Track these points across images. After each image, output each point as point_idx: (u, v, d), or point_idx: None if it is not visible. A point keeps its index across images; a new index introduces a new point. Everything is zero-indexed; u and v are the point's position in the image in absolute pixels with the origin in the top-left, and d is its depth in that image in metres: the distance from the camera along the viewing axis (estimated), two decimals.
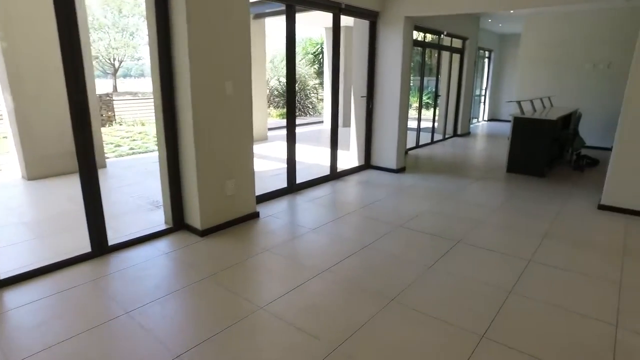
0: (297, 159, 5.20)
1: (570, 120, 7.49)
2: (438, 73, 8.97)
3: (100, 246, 3.28)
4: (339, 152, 5.96)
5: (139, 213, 4.39)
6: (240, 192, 4.04)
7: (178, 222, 3.87)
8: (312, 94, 17.12)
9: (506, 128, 12.32)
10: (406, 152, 7.66)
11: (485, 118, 13.64)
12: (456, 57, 9.48)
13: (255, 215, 4.24)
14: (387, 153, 6.23)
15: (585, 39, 8.57)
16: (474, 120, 12.67)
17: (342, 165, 6.24)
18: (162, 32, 3.39)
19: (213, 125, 3.64)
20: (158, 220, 4.05)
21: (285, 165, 5.09)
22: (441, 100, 9.45)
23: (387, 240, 3.72)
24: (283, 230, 3.97)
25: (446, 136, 9.68)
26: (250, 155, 4.08)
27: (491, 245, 3.65)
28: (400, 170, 6.30)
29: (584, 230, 4.09)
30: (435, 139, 9.10)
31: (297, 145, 5.16)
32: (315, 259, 3.35)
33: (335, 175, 5.82)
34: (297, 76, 16.86)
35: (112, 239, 3.47)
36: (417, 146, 8.41)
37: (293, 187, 5.14)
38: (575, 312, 2.64)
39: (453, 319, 2.53)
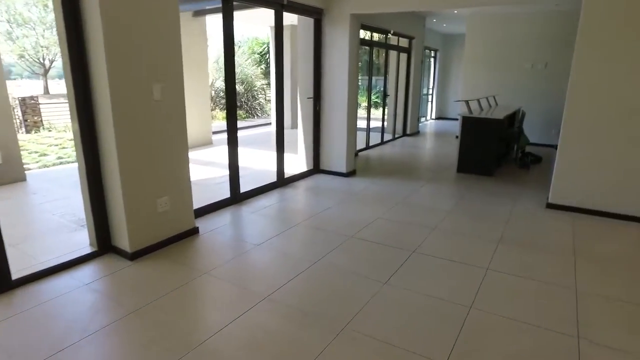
0: (243, 164, 4.84)
1: (514, 119, 7.61)
2: (386, 72, 8.87)
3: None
4: (288, 156, 5.64)
5: (61, 234, 3.86)
6: (176, 207, 3.62)
7: (104, 244, 3.40)
8: (260, 95, 16.66)
9: (453, 126, 12.58)
10: (356, 154, 7.47)
11: (433, 117, 13.83)
12: (403, 56, 9.44)
13: (194, 231, 3.83)
14: (336, 157, 5.99)
15: (523, 40, 8.78)
16: (422, 119, 12.78)
17: (290, 170, 5.93)
18: (71, 27, 2.92)
19: (139, 133, 3.20)
20: (82, 241, 3.55)
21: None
22: (390, 100, 9.37)
23: (338, 255, 3.45)
24: (225, 247, 3.60)
25: (396, 136, 9.63)
26: (185, 165, 3.67)
27: (447, 254, 3.47)
28: (351, 173, 6.09)
29: (536, 232, 4.04)
30: (385, 139, 9.00)
31: (243, 150, 4.80)
32: (259, 281, 3.02)
33: (282, 181, 5.50)
34: (243, 77, 16.39)
35: (21, 269, 2.96)
36: (367, 147, 8.26)
37: (237, 197, 4.77)
38: (538, 326, 2.49)
39: (414, 346, 2.29)
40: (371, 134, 8.42)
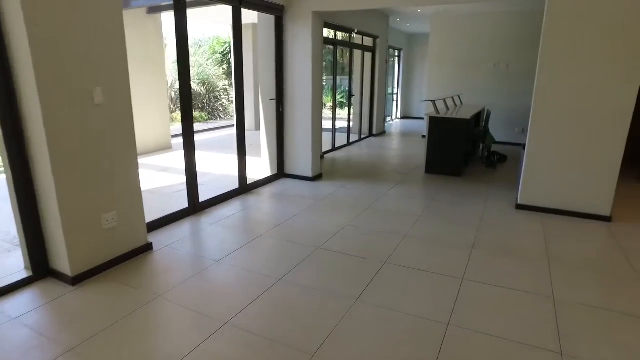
0: (204, 170, 4.51)
1: (480, 118, 7.60)
2: (351, 72, 8.70)
3: None
4: (251, 160, 5.36)
5: None
6: (125, 222, 3.27)
7: (41, 268, 3.01)
8: (223, 96, 16.17)
9: (419, 125, 12.63)
10: (322, 157, 7.25)
11: (398, 116, 13.82)
12: (368, 55, 9.30)
13: (147, 247, 3.49)
14: (301, 160, 5.74)
15: (487, 40, 8.83)
16: (388, 119, 12.73)
17: (254, 175, 5.64)
18: None
19: (77, 140, 2.84)
20: (16, 265, 3.13)
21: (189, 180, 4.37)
22: (355, 100, 9.21)
23: (305, 269, 3.20)
24: (181, 265, 3.28)
25: (362, 136, 9.48)
26: (134, 175, 3.32)
27: (420, 265, 3.29)
28: (317, 177, 5.85)
29: (508, 236, 3.93)
30: (351, 140, 8.83)
31: (205, 154, 4.50)
32: (219, 304, 2.73)
33: (245, 188, 5.19)
34: (205, 77, 15.84)
35: None
36: (334, 149, 8.05)
37: (196, 207, 4.43)
38: (519, 342, 2.33)
39: None
40: (337, 134, 8.23)
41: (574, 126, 4.27)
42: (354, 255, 3.43)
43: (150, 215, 3.82)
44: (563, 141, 4.35)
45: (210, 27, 16.95)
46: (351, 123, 9.00)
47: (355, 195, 5.13)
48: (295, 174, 5.83)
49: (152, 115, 7.76)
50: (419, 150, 8.14)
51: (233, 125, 11.81)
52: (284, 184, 5.63)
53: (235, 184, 5.14)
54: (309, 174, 5.73)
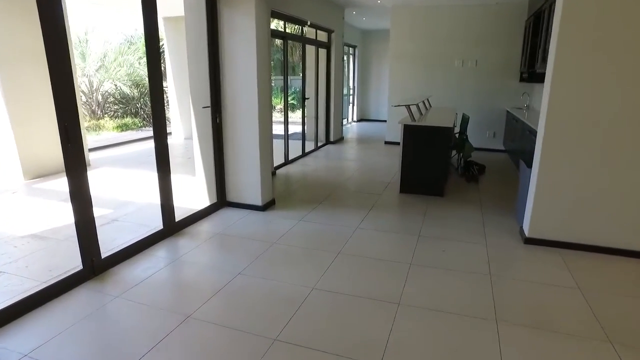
0: (124, 197, 3.17)
1: (453, 124, 6.65)
2: (304, 71, 7.49)
3: None
4: (187, 181, 4.01)
5: None
6: None
7: None
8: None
9: (378, 129, 11.66)
10: (274, 173, 6.00)
11: (355, 119, 12.80)
12: (322, 52, 8.14)
13: None
14: (248, 184, 4.47)
15: (452, 35, 7.96)
16: (344, 122, 11.65)
17: (187, 204, 4.32)
18: None
19: None
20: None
21: (111, 212, 3.02)
22: (310, 103, 8.02)
23: None
24: None
25: (319, 144, 8.31)
26: None
27: (431, 356, 2.15)
28: (269, 205, 4.60)
29: (534, 293, 2.89)
30: (306, 150, 7.63)
31: (132, 173, 3.24)
32: None
33: (172, 227, 3.85)
34: (137, 79, 14.03)
35: None
36: (287, 162, 6.82)
37: (95, 267, 3.05)
38: None
39: None
40: (290, 142, 6.99)
41: (597, 145, 3.33)
42: (329, 352, 2.23)
43: (11, 293, 2.42)
44: (585, 162, 3.40)
45: (138, 20, 15.11)
46: (305, 129, 7.80)
47: (319, 233, 3.93)
48: (241, 202, 4.55)
49: (47, 125, 5.99)
50: (385, 161, 7.09)
51: (169, 134, 10.29)
52: (226, 217, 4.33)
53: (160, 221, 3.79)
54: (258, 201, 4.47)
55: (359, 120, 12.91)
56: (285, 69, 6.43)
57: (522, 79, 7.69)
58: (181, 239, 3.75)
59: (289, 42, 6.58)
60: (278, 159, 6.60)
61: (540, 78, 6.77)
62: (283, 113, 6.64)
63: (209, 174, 4.49)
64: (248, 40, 4.03)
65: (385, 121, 12.72)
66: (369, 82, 12.83)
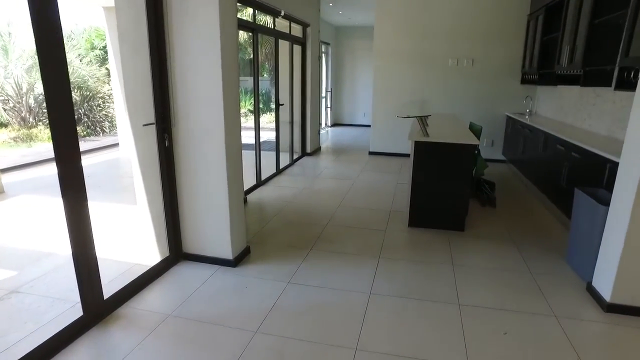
0: (42, 247, 1.85)
1: None
2: (277, 71, 6.25)
3: None
4: (127, 214, 2.71)
5: None
6: None
7: None
8: (108, 104, 12.72)
9: (355, 135, 10.55)
10: (245, 200, 4.75)
11: (329, 123, 11.66)
12: (297, 49, 6.94)
13: None
14: (212, 229, 3.20)
15: (446, 30, 6.96)
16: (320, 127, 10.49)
17: (126, 257, 3.02)
18: None
19: None
20: None
21: (13, 274, 1.68)
22: (284, 109, 6.78)
23: None
24: None
25: (295, 157, 7.10)
26: None
27: None
28: (242, 257, 3.36)
29: None
30: (281, 166, 6.40)
31: (58, 202, 2.02)
32: None
33: (97, 310, 2.53)
34: (79, 81, 12.27)
35: None
36: (259, 183, 5.56)
37: None
38: None
39: None
40: (263, 155, 5.71)
41: None
42: None
43: None
44: None
45: (85, 15, 13.34)
46: (279, 137, 6.54)
47: (319, 308, 2.72)
48: (204, 254, 3.28)
49: None
50: (377, 179, 5.97)
51: (116, 145, 8.78)
52: (183, 280, 3.05)
53: (104, 269, 2.47)
54: (228, 254, 3.21)
55: (333, 125, 11.78)
56: (255, 68, 5.17)
57: (524, 81, 6.80)
58: (113, 331, 2.45)
59: (260, 35, 5.32)
60: (248, 179, 5.34)
61: (552, 80, 5.90)
62: (254, 119, 5.36)
63: (157, 217, 3.19)
64: (209, 30, 2.77)
65: (364, 126, 11.71)
66: (342, 84, 11.72)
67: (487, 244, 3.72)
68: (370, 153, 7.74)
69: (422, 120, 3.87)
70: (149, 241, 3.25)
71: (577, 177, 3.82)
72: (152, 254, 3.23)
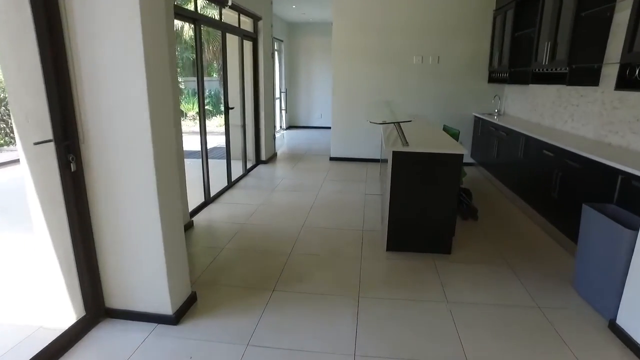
0: None
1: None
2: (225, 70, 5.44)
3: None
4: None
5: None
6: None
7: None
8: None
9: (313, 138, 9.84)
10: (190, 225, 3.97)
11: (284, 126, 10.94)
12: (248, 45, 6.18)
13: None
14: (143, 275, 2.42)
15: (410, 25, 6.48)
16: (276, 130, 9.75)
17: (27, 320, 2.19)
18: None
19: None
20: None
21: None
22: (235, 113, 6.00)
23: None
24: None
25: (248, 166, 6.33)
26: None
27: None
28: (185, 309, 2.60)
29: None
30: (233, 178, 5.63)
31: None
32: None
33: None
34: None
35: None
36: (209, 200, 4.77)
37: None
38: None
39: None
40: (212, 163, 4.91)
41: None
42: None
43: None
44: None
45: None
46: (229, 142, 5.76)
47: None
48: (134, 309, 2.49)
49: None
50: (343, 189, 5.35)
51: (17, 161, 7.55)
52: (104, 351, 2.26)
53: None
54: (167, 307, 2.44)
55: (288, 128, 11.07)
56: (199, 65, 4.38)
57: (492, 79, 6.44)
58: None
59: (203, 27, 4.53)
60: (195, 197, 4.55)
61: (525, 78, 5.54)
62: (199, 125, 4.56)
63: (67, 262, 2.37)
64: (125, 10, 2.00)
65: (321, 128, 11.03)
66: (298, 83, 11.04)
67: (480, 271, 3.19)
68: (332, 159, 7.13)
69: (399, 126, 3.26)
70: (59, 295, 2.42)
71: (575, 188, 3.38)
72: (63, 313, 2.41)
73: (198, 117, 4.54)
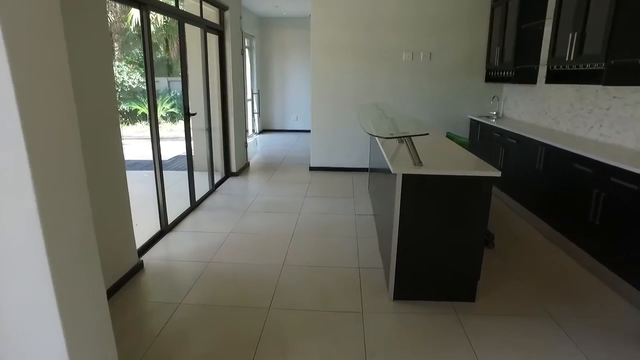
0: None
1: None
2: (184, 66, 4.52)
3: None
4: None
5: None
6: None
7: None
8: None
9: (289, 143, 8.89)
10: (140, 266, 3.08)
11: (257, 130, 10.04)
12: (213, 39, 5.29)
13: None
14: None
15: (399, 18, 5.73)
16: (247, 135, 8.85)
17: None
18: None
19: None
20: None
21: None
22: (198, 119, 5.09)
23: None
24: None
25: (216, 180, 5.43)
26: None
27: None
28: None
29: None
30: (198, 195, 4.73)
31: None
32: None
33: None
34: None
35: None
36: (165, 229, 3.85)
37: None
38: None
39: None
40: (172, 178, 4.02)
41: None
42: None
43: None
44: None
45: None
46: (192, 159, 4.85)
47: None
48: None
49: None
50: (330, 209, 4.54)
51: None
52: None
53: None
54: None
55: (261, 132, 10.18)
56: (147, 60, 3.46)
57: (489, 78, 5.77)
58: None
59: (152, 12, 3.62)
60: (147, 225, 3.66)
61: (532, 77, 4.88)
62: (150, 133, 3.64)
63: None
64: None
65: (297, 132, 10.13)
66: (271, 84, 10.16)
67: (517, 325, 2.44)
68: (312, 168, 6.31)
69: (411, 141, 2.48)
70: None
71: (629, 215, 2.67)
72: None
73: (149, 122, 3.63)
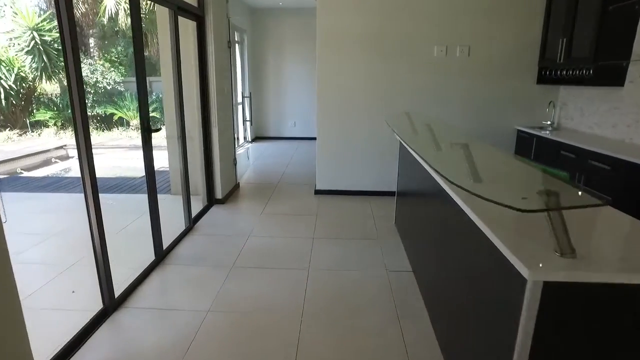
0: None
1: None
2: (137, 58, 3.19)
3: None
4: None
5: None
6: None
7: None
8: None
9: (286, 154, 7.54)
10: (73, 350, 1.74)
11: (249, 138, 8.74)
12: (190, 26, 4.00)
13: None
14: None
15: (430, 5, 4.49)
16: (237, 144, 7.55)
17: None
18: None
19: None
20: None
21: None
22: (170, 129, 3.79)
23: None
24: None
25: (194, 212, 4.13)
26: None
27: None
28: None
29: None
30: (167, 240, 3.43)
31: None
32: None
33: None
34: None
35: None
36: (109, 308, 2.55)
37: None
38: None
39: None
40: (133, 201, 2.69)
41: None
42: None
43: None
44: None
45: None
46: (155, 191, 3.56)
47: None
48: None
49: None
50: (345, 259, 3.27)
51: None
52: None
53: None
54: None
55: (254, 140, 8.89)
56: (64, 47, 2.18)
57: (542, 79, 4.55)
58: None
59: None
60: (82, 297, 2.38)
61: (617, 78, 3.66)
62: (76, 146, 2.36)
63: None
64: None
65: (296, 139, 8.67)
66: (265, 85, 8.86)
67: None
68: (318, 192, 5.04)
69: (561, 217, 1.21)
70: None
71: None
72: None
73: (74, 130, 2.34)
